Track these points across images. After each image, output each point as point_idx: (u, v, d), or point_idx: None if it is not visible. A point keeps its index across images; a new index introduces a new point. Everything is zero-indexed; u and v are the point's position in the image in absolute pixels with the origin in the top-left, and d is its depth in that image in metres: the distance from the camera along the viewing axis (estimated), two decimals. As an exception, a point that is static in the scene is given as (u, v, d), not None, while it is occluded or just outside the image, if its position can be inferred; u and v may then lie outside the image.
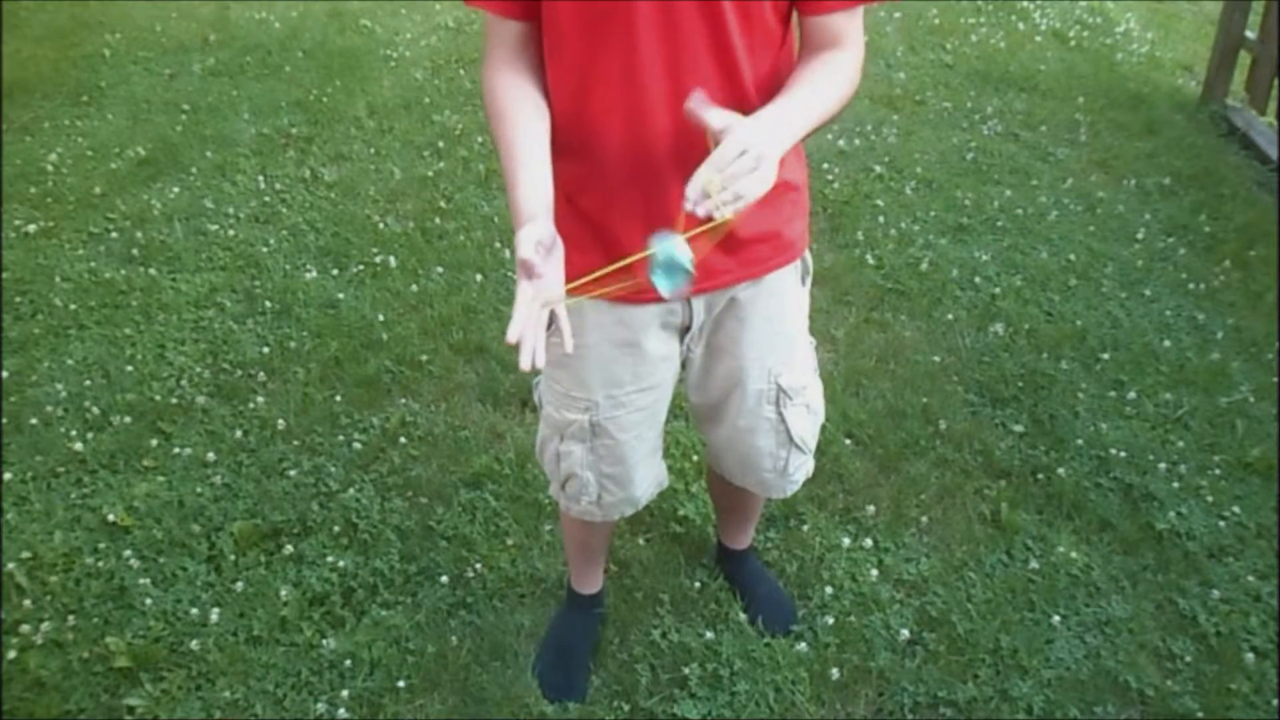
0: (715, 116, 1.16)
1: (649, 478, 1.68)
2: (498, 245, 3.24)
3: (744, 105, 1.31)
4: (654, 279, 1.17)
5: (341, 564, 2.17)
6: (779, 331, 1.56)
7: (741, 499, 1.94)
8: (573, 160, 1.37)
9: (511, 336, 1.09)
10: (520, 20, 1.33)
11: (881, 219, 3.40)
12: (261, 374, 2.73)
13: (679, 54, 1.26)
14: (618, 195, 1.38)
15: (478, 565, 2.17)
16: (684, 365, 1.61)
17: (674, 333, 1.53)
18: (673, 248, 1.15)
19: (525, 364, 1.11)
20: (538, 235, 1.15)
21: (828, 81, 1.30)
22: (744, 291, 1.50)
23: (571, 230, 1.44)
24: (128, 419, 2.56)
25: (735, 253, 1.44)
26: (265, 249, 3.24)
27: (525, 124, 1.31)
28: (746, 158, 1.13)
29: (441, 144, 3.88)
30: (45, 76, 4.41)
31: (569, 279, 1.47)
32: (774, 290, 1.52)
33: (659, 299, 1.44)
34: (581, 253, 1.45)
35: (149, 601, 2.10)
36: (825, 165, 3.70)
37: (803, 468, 1.71)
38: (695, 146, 1.32)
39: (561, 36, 1.31)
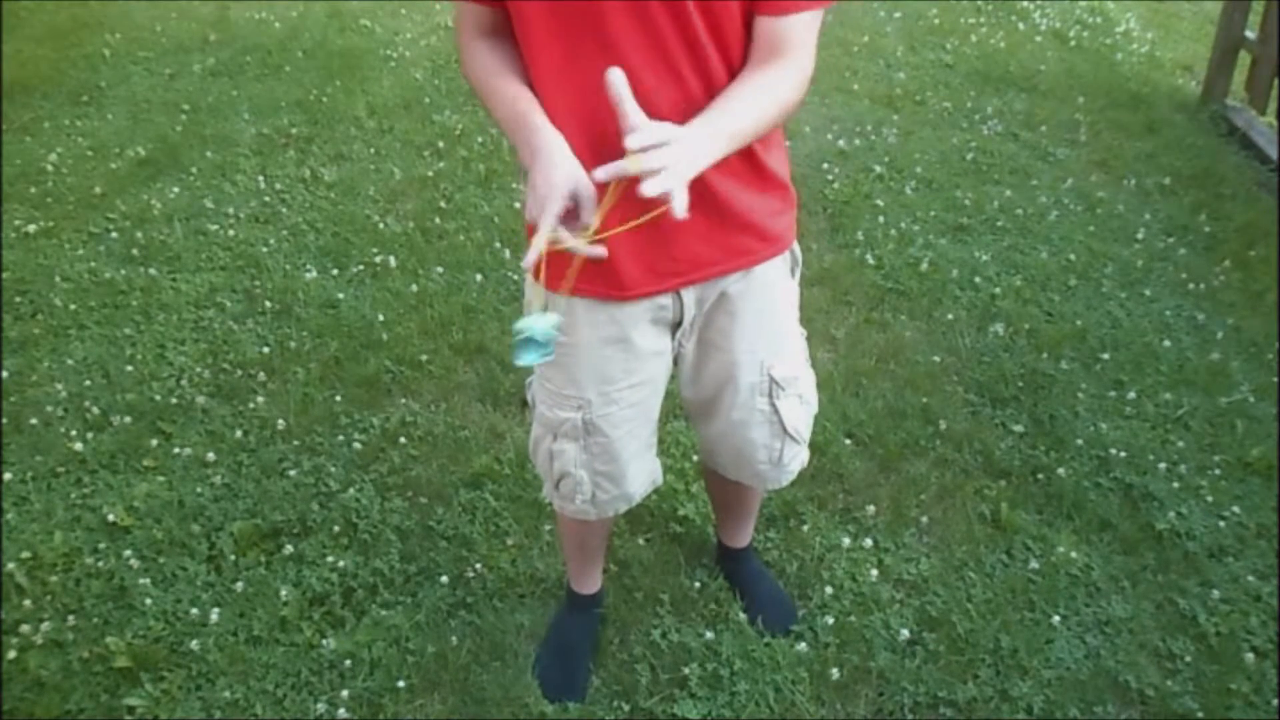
0: (635, 138, 1.14)
1: (642, 474, 1.68)
2: (498, 245, 3.24)
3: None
4: (517, 347, 1.22)
5: (341, 564, 2.17)
6: (770, 324, 1.57)
7: (738, 495, 1.95)
8: None
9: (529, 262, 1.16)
10: (489, 5, 1.35)
11: (881, 219, 3.40)
12: (261, 374, 2.73)
13: (652, 56, 1.27)
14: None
15: (478, 565, 2.17)
16: (676, 361, 1.61)
17: (665, 328, 1.54)
18: (533, 323, 1.20)
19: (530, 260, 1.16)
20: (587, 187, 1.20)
21: (766, 98, 1.30)
22: (734, 285, 1.50)
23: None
24: (128, 419, 2.56)
25: (721, 244, 1.44)
26: (265, 249, 3.24)
27: (518, 80, 1.34)
28: (663, 176, 1.13)
29: (441, 144, 3.88)
30: (45, 76, 4.41)
31: (563, 276, 1.48)
32: (764, 283, 1.53)
33: (646, 294, 1.45)
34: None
35: (149, 601, 2.10)
36: (825, 165, 3.70)
37: (797, 458, 1.71)
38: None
39: (534, 41, 1.31)
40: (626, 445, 1.61)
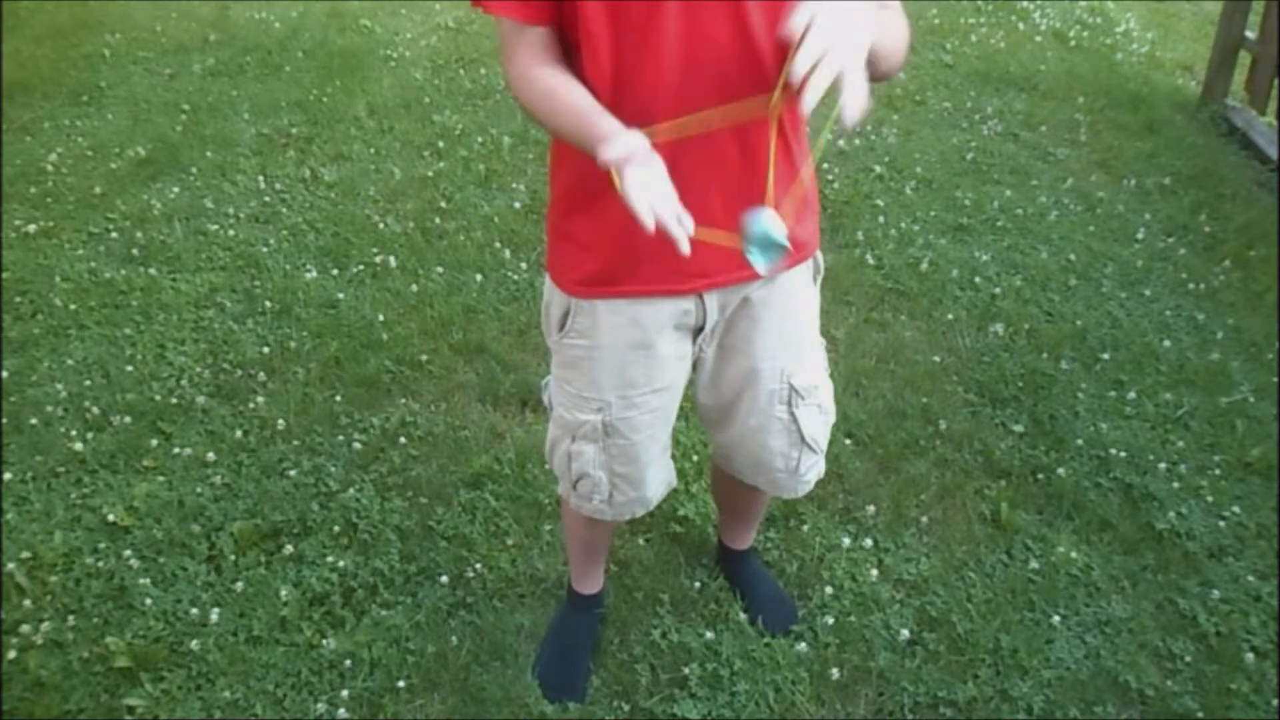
0: (797, 18, 1.07)
1: (660, 477, 1.68)
2: (498, 245, 3.24)
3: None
4: (750, 258, 1.17)
5: (341, 564, 2.17)
6: (791, 331, 1.56)
7: (747, 500, 1.94)
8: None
9: (649, 221, 1.09)
10: (544, 26, 1.31)
11: (881, 219, 3.40)
12: (261, 374, 2.73)
13: (699, 52, 1.26)
14: None
15: (478, 565, 2.17)
16: (695, 366, 1.61)
17: (687, 333, 1.53)
18: (767, 225, 1.14)
19: (679, 236, 1.10)
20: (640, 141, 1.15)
21: (890, 20, 1.24)
22: (757, 291, 1.50)
23: (595, 236, 1.43)
24: (128, 419, 2.56)
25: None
26: (265, 249, 3.24)
27: (580, 87, 1.29)
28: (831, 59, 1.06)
29: (441, 144, 3.88)
30: (45, 76, 4.41)
31: (586, 282, 1.46)
32: (787, 289, 1.52)
33: (668, 293, 1.44)
34: (602, 260, 1.44)
35: (149, 601, 2.10)
36: (825, 165, 3.70)
37: (814, 468, 1.70)
38: (728, 146, 1.31)
39: (595, 42, 1.28)
40: (646, 449, 1.60)
